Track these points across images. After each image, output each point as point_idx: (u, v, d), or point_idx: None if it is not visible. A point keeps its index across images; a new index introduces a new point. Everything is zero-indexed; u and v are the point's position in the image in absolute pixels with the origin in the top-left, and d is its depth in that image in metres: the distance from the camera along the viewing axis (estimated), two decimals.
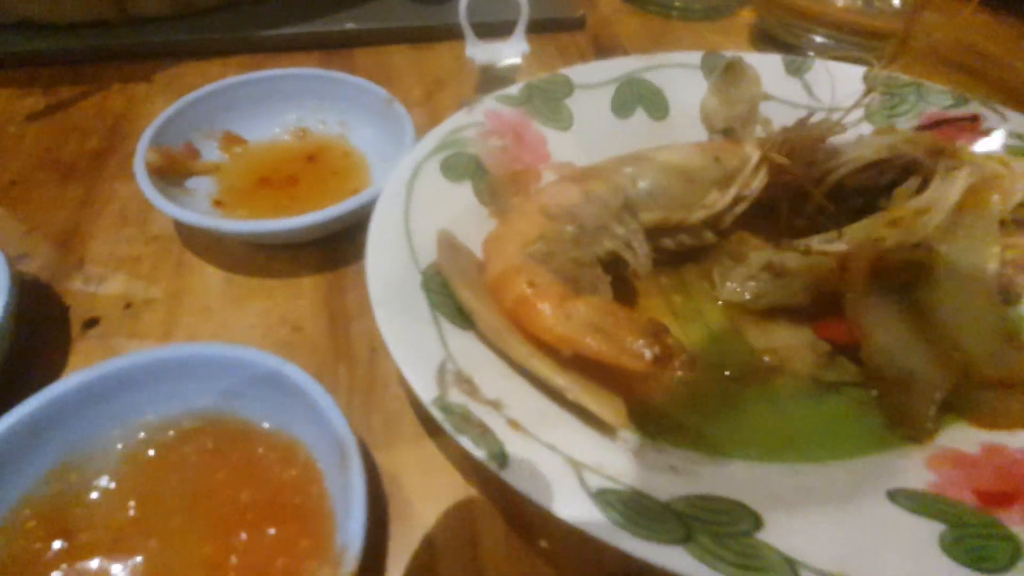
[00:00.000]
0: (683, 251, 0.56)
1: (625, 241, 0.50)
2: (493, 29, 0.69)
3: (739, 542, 0.34)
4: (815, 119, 0.57)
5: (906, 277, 0.50)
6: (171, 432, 0.41)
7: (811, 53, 0.81)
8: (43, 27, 0.79)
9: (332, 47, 0.85)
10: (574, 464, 0.37)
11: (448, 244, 0.49)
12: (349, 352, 0.51)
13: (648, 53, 0.68)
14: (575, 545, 0.41)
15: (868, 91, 0.56)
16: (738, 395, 0.48)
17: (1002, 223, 0.51)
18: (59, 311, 0.53)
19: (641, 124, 0.65)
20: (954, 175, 0.52)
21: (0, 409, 0.38)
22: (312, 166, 0.65)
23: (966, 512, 0.38)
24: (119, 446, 0.41)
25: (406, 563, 0.40)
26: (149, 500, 0.39)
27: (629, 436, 0.43)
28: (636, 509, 0.35)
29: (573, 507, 0.35)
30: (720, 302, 0.54)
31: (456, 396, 0.39)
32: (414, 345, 0.42)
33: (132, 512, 0.39)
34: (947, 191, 0.51)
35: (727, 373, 0.49)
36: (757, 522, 0.36)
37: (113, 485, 0.40)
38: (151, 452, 0.41)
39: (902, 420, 0.45)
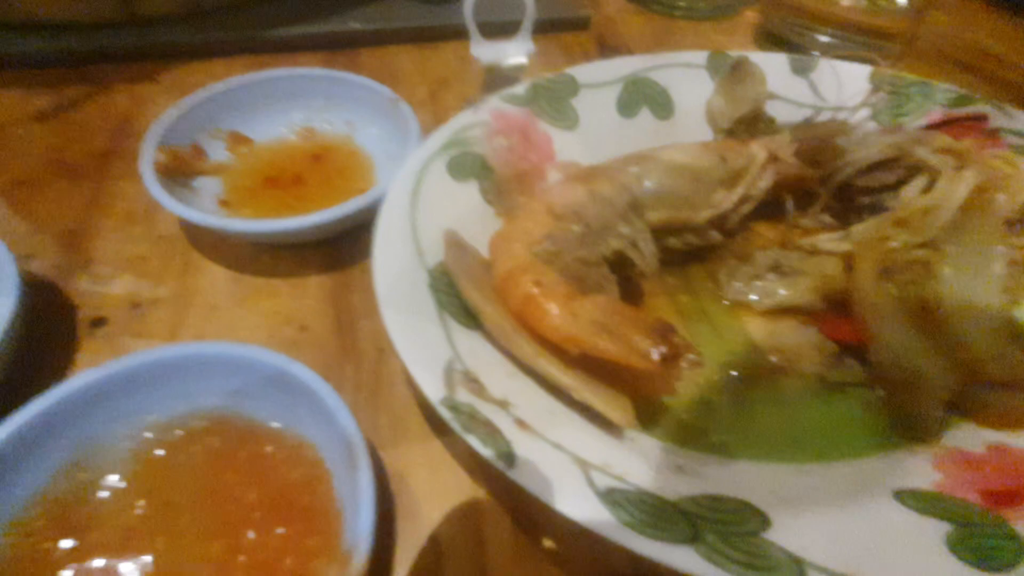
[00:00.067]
0: (689, 251, 0.55)
1: (631, 241, 0.50)
2: (498, 29, 0.69)
3: (746, 541, 0.34)
4: (821, 118, 0.57)
5: (913, 277, 0.50)
6: (179, 431, 0.42)
7: (816, 53, 0.81)
8: (49, 27, 0.79)
9: (337, 47, 0.85)
10: (581, 463, 0.37)
11: (454, 243, 0.49)
12: (355, 351, 0.51)
13: (652, 53, 0.68)
14: (582, 545, 0.41)
15: (874, 90, 0.56)
16: (744, 395, 0.48)
17: (1009, 223, 0.51)
18: (66, 310, 0.54)
19: (647, 123, 0.65)
20: (961, 175, 0.52)
21: (8, 408, 0.38)
22: (318, 166, 0.65)
23: (972, 512, 0.38)
24: (127, 445, 0.41)
25: (413, 562, 0.40)
26: (157, 499, 0.39)
27: (636, 436, 0.43)
28: (644, 508, 0.35)
29: (581, 506, 0.35)
30: (726, 302, 0.54)
31: (464, 395, 0.40)
32: (421, 345, 0.42)
33: (140, 511, 0.39)
34: (954, 191, 0.51)
35: (733, 373, 0.49)
36: (764, 521, 0.36)
37: (122, 484, 0.40)
38: (159, 451, 0.41)
39: (908, 420, 0.45)
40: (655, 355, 0.39)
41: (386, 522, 0.42)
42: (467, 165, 0.56)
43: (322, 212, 0.52)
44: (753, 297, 0.53)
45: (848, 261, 0.52)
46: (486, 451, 0.36)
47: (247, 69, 0.69)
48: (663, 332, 0.40)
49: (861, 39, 0.83)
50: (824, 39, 0.85)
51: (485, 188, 0.55)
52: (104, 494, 0.39)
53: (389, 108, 0.64)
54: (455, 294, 0.47)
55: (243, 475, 0.40)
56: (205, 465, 0.40)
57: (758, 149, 0.56)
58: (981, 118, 0.62)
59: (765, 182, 0.55)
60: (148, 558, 0.37)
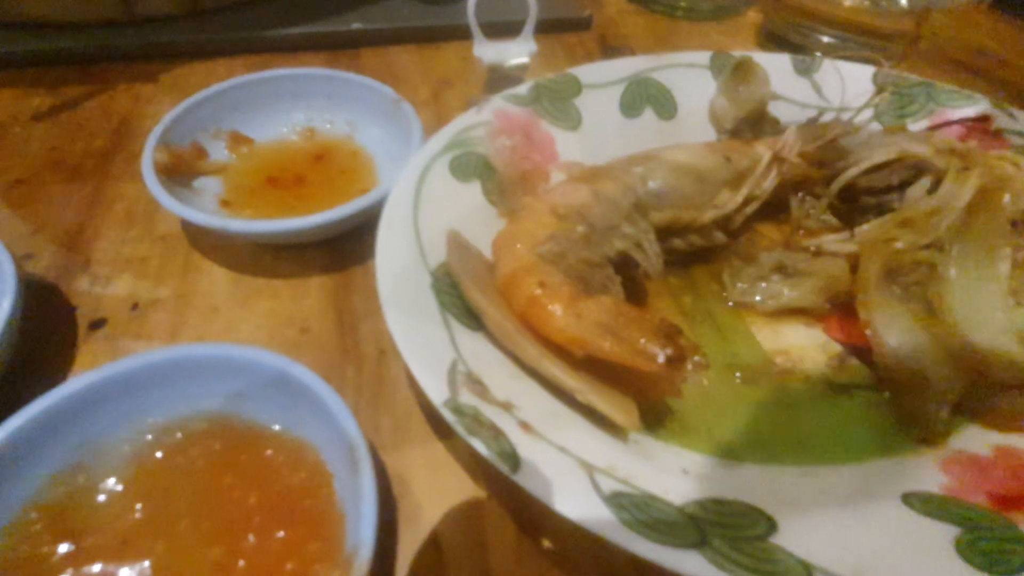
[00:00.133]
0: (693, 252, 0.55)
1: (635, 241, 0.50)
2: (501, 29, 0.69)
3: (753, 546, 0.34)
4: (825, 119, 0.57)
5: (918, 278, 0.50)
6: (179, 434, 0.41)
7: (818, 53, 0.81)
8: (49, 26, 0.79)
9: (339, 47, 0.85)
10: (586, 466, 0.37)
11: (457, 244, 0.49)
12: (357, 353, 0.51)
13: (655, 53, 0.68)
14: (585, 548, 0.40)
15: (878, 91, 0.56)
16: (749, 397, 0.47)
17: (1013, 224, 0.50)
18: (65, 311, 0.53)
19: (650, 124, 0.65)
20: (965, 175, 0.51)
21: (7, 411, 0.38)
22: (319, 166, 0.64)
23: (980, 515, 0.37)
24: (126, 448, 0.40)
25: (415, 566, 0.40)
26: (156, 502, 0.39)
27: (641, 438, 0.43)
28: (649, 512, 0.35)
29: (586, 510, 0.34)
30: (731, 303, 0.53)
31: (467, 398, 0.39)
32: (424, 346, 0.42)
33: (139, 514, 0.38)
34: (959, 191, 0.51)
35: (738, 375, 0.48)
36: (771, 525, 0.35)
37: (120, 487, 0.39)
38: (158, 454, 0.41)
39: (915, 422, 0.45)
40: (660, 357, 0.39)
41: (388, 525, 0.41)
42: (470, 165, 0.55)
43: (324, 212, 0.52)
44: (758, 298, 0.53)
45: (853, 262, 0.52)
46: (490, 454, 0.36)
47: (248, 69, 0.68)
48: (668, 334, 0.40)
49: (863, 40, 0.83)
50: (826, 40, 0.84)
51: (488, 188, 0.55)
52: (102, 497, 0.39)
53: (391, 108, 0.63)
54: (458, 295, 0.46)
55: (243, 478, 0.40)
56: (205, 468, 0.40)
57: (762, 150, 0.56)
58: (984, 119, 0.62)
59: (770, 183, 0.55)
60: (147, 563, 0.37)
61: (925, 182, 0.53)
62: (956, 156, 0.54)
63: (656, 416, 0.45)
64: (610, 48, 0.89)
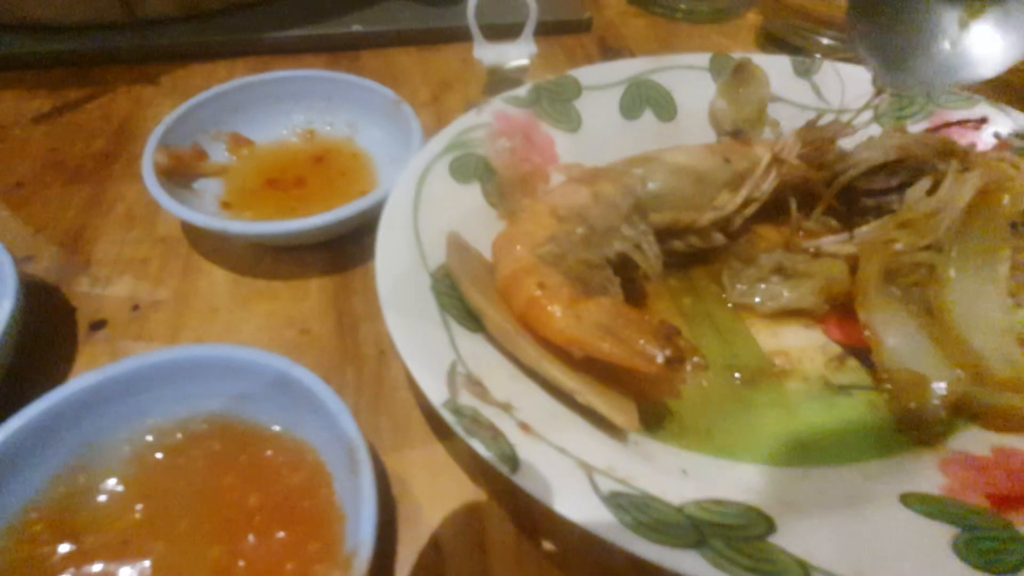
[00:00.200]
0: (693, 253, 0.55)
1: (635, 242, 0.50)
2: (501, 31, 0.69)
3: (752, 546, 0.34)
4: (825, 121, 0.57)
5: (917, 279, 0.50)
6: (179, 435, 0.41)
7: (818, 55, 0.81)
8: (49, 29, 0.79)
9: (339, 49, 0.85)
10: (585, 467, 0.37)
11: (457, 245, 0.49)
12: (357, 354, 0.51)
13: (655, 55, 0.68)
14: (584, 549, 0.41)
15: (877, 93, 0.56)
16: (749, 398, 0.47)
17: (1013, 225, 0.50)
18: (66, 313, 0.53)
19: (649, 125, 0.65)
20: (965, 177, 0.51)
21: (7, 411, 0.38)
22: (319, 167, 0.64)
23: (978, 515, 0.37)
24: (127, 448, 0.40)
25: (414, 566, 0.40)
26: (157, 503, 0.39)
27: (640, 439, 0.43)
28: (648, 512, 0.35)
29: (585, 510, 0.34)
30: (730, 304, 0.53)
31: (467, 399, 0.39)
32: (424, 347, 0.42)
33: (140, 515, 0.38)
34: (957, 193, 0.51)
35: (737, 376, 0.49)
36: (770, 526, 0.36)
37: (121, 488, 0.39)
38: (159, 455, 0.41)
39: (913, 423, 0.45)
40: (659, 358, 0.39)
41: (388, 526, 0.41)
42: (470, 167, 0.55)
43: (324, 214, 0.52)
44: (757, 300, 0.53)
45: (852, 263, 0.52)
46: (489, 455, 0.36)
47: (249, 71, 0.69)
48: (667, 335, 0.40)
49: None
50: (826, 41, 0.84)
51: (488, 190, 0.55)
52: (103, 498, 0.39)
53: (391, 110, 0.64)
54: (458, 296, 0.47)
55: (243, 479, 0.40)
56: (205, 469, 0.40)
57: (762, 151, 0.56)
58: (983, 121, 0.62)
59: (769, 184, 0.55)
60: (147, 562, 0.37)
61: (924, 183, 0.53)
62: (955, 157, 0.54)
63: (655, 417, 0.45)
64: (610, 50, 0.89)
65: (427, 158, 0.54)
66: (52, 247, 0.58)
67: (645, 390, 0.43)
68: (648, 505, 0.35)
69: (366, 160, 0.65)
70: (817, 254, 0.54)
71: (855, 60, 0.67)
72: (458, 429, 0.37)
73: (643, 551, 0.33)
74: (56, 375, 0.49)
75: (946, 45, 0.38)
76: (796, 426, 0.45)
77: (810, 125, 0.57)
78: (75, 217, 0.62)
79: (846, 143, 0.58)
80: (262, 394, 0.41)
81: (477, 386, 0.40)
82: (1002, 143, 0.58)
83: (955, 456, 0.43)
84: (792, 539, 0.35)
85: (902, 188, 0.54)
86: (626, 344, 0.40)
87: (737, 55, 0.67)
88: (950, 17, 0.46)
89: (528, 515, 0.42)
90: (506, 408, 0.40)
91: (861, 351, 0.49)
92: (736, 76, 0.64)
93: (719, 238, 0.55)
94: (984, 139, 0.61)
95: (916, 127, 0.63)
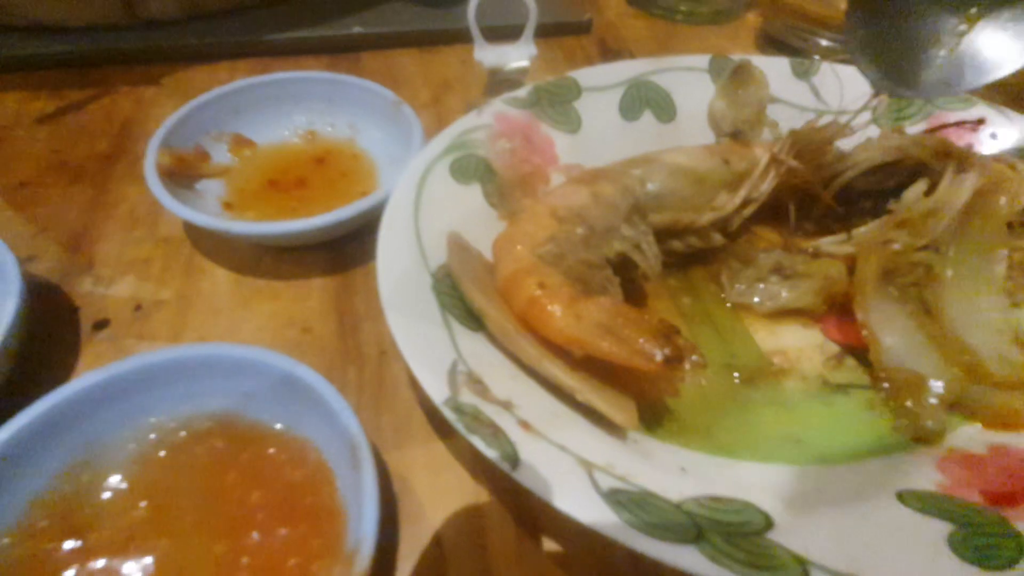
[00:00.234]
0: (692, 253, 0.56)
1: (634, 243, 0.50)
2: (501, 32, 0.69)
3: (750, 542, 0.34)
4: (823, 122, 0.57)
5: (914, 279, 0.51)
6: (182, 433, 0.42)
7: (817, 57, 0.81)
8: (52, 30, 0.80)
9: (340, 51, 0.85)
10: (585, 464, 0.37)
11: (458, 246, 0.50)
12: (358, 353, 0.51)
13: (654, 56, 0.69)
14: (584, 545, 0.41)
15: (875, 94, 0.56)
16: (747, 397, 0.48)
17: (1009, 225, 0.51)
18: (69, 312, 0.54)
19: (649, 127, 0.65)
20: (962, 178, 0.52)
21: (11, 410, 0.38)
22: (321, 168, 0.65)
23: (974, 511, 0.38)
24: (131, 446, 0.41)
25: (415, 563, 0.40)
26: (161, 500, 0.39)
27: (639, 437, 0.43)
28: (647, 509, 0.35)
29: (584, 507, 0.35)
30: (729, 304, 0.54)
31: (467, 396, 0.40)
32: (425, 346, 0.42)
33: (144, 511, 0.39)
34: (955, 194, 0.51)
35: (736, 375, 0.49)
36: (767, 522, 0.36)
37: (125, 485, 0.40)
38: (162, 453, 0.41)
39: (910, 421, 0.45)
40: (658, 356, 0.39)
41: (389, 524, 0.42)
42: (470, 168, 0.56)
43: (325, 214, 0.52)
44: (756, 299, 0.53)
45: (850, 264, 0.52)
46: (490, 452, 0.37)
47: (250, 72, 0.69)
48: (666, 334, 0.40)
49: None
50: (825, 43, 0.85)
51: (488, 191, 0.56)
52: (107, 495, 0.39)
53: (392, 111, 0.64)
54: (458, 296, 0.47)
55: (246, 476, 0.40)
56: (208, 466, 0.40)
57: (760, 152, 0.57)
58: (980, 121, 0.62)
59: (767, 185, 0.55)
60: (151, 559, 0.37)
61: (922, 184, 0.53)
62: (953, 159, 0.54)
63: (655, 416, 0.45)
64: (610, 52, 0.89)
65: (428, 159, 0.55)
66: (55, 247, 0.59)
67: (644, 389, 0.44)
68: (647, 502, 0.36)
69: (367, 161, 0.66)
70: (815, 254, 0.54)
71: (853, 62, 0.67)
72: (459, 427, 0.38)
73: (642, 547, 0.33)
74: (60, 374, 0.49)
75: (944, 53, 0.38)
76: (794, 424, 0.46)
77: (808, 126, 0.57)
78: (77, 217, 0.62)
79: (844, 144, 0.58)
80: (264, 392, 0.42)
81: (478, 384, 0.41)
82: (994, 139, 0.59)
83: (952, 454, 0.43)
84: (790, 535, 0.35)
85: (900, 189, 0.55)
86: (625, 343, 0.40)
87: (736, 57, 0.67)
88: (949, 25, 0.47)
89: (528, 512, 0.42)
90: (507, 406, 0.40)
91: (859, 350, 0.50)
92: (735, 77, 0.65)
93: (718, 238, 0.55)
94: (981, 140, 0.61)
95: (914, 128, 0.63)
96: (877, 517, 0.37)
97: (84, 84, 0.78)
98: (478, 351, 0.44)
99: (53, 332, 0.52)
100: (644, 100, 0.66)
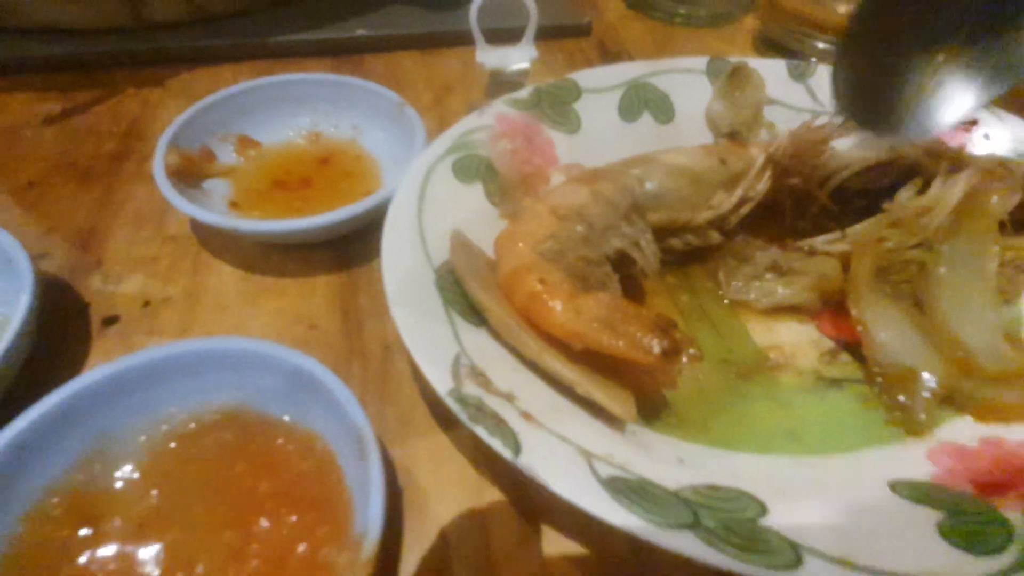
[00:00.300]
0: (689, 251, 0.57)
1: (633, 240, 0.51)
2: (502, 35, 0.70)
3: (744, 527, 0.35)
4: (819, 123, 0.58)
5: (908, 276, 0.52)
6: (192, 424, 0.43)
7: (814, 59, 0.82)
8: (59, 33, 0.81)
9: (343, 53, 0.86)
10: (585, 453, 0.38)
11: (460, 243, 0.51)
12: (363, 349, 0.52)
13: (653, 59, 0.70)
14: (584, 533, 0.42)
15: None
16: (744, 391, 0.49)
17: (1001, 224, 0.52)
18: (79, 308, 0.55)
19: (647, 128, 0.66)
20: (954, 177, 0.53)
21: (26, 402, 0.39)
22: (325, 169, 0.66)
23: (964, 500, 0.39)
24: (142, 438, 0.42)
25: (420, 551, 0.41)
26: (171, 489, 0.40)
27: (638, 430, 0.44)
28: (645, 496, 0.36)
29: (584, 493, 0.36)
30: (726, 301, 0.55)
31: (470, 388, 0.41)
32: (429, 340, 0.43)
33: (154, 500, 0.40)
34: (948, 193, 0.52)
35: (733, 370, 0.50)
36: (762, 510, 0.37)
37: (136, 475, 0.41)
38: (173, 444, 0.42)
39: (903, 414, 0.46)
40: (656, 349, 0.40)
41: (394, 512, 0.43)
42: (472, 168, 0.57)
43: (332, 212, 0.53)
44: (752, 296, 0.54)
45: (845, 261, 0.53)
46: (493, 441, 0.37)
47: (255, 75, 0.70)
48: (664, 327, 0.41)
49: None
50: (822, 45, 0.86)
51: (490, 190, 0.57)
52: (119, 484, 0.40)
53: (395, 112, 0.65)
54: (461, 292, 0.48)
55: (255, 466, 0.41)
56: (218, 457, 0.41)
57: (757, 152, 0.57)
58: (973, 122, 0.63)
59: (763, 184, 0.56)
60: (162, 546, 0.38)
61: (915, 183, 0.54)
62: (945, 158, 0.55)
63: (653, 409, 0.46)
64: (609, 54, 0.90)
65: (431, 159, 0.56)
66: (64, 245, 0.60)
67: (642, 382, 0.45)
68: (645, 489, 0.37)
69: (370, 161, 0.67)
70: (811, 252, 0.55)
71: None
72: (463, 416, 0.39)
73: (640, 531, 0.34)
74: (71, 368, 0.51)
75: (923, 97, 0.39)
76: (789, 418, 0.47)
77: (804, 127, 0.58)
78: (86, 216, 0.63)
79: (839, 144, 0.59)
80: (272, 385, 0.42)
81: (480, 377, 0.42)
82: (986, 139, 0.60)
83: (943, 446, 0.44)
84: (783, 521, 0.36)
85: (893, 188, 0.56)
86: (624, 336, 0.41)
87: (734, 59, 0.68)
88: (927, 71, 0.47)
89: (529, 502, 0.43)
90: (509, 398, 0.41)
91: (853, 346, 0.51)
92: (732, 79, 0.66)
93: (715, 236, 0.56)
94: (974, 141, 0.62)
95: None
96: (869, 505, 0.38)
97: (91, 86, 0.79)
98: (480, 345, 0.45)
99: (64, 328, 0.53)
100: (643, 101, 0.67)
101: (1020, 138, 0.60)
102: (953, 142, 0.59)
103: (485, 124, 0.60)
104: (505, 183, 0.57)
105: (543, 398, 0.43)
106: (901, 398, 0.47)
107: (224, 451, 0.42)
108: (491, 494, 0.44)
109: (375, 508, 0.35)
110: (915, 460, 0.43)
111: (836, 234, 0.55)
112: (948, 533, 0.36)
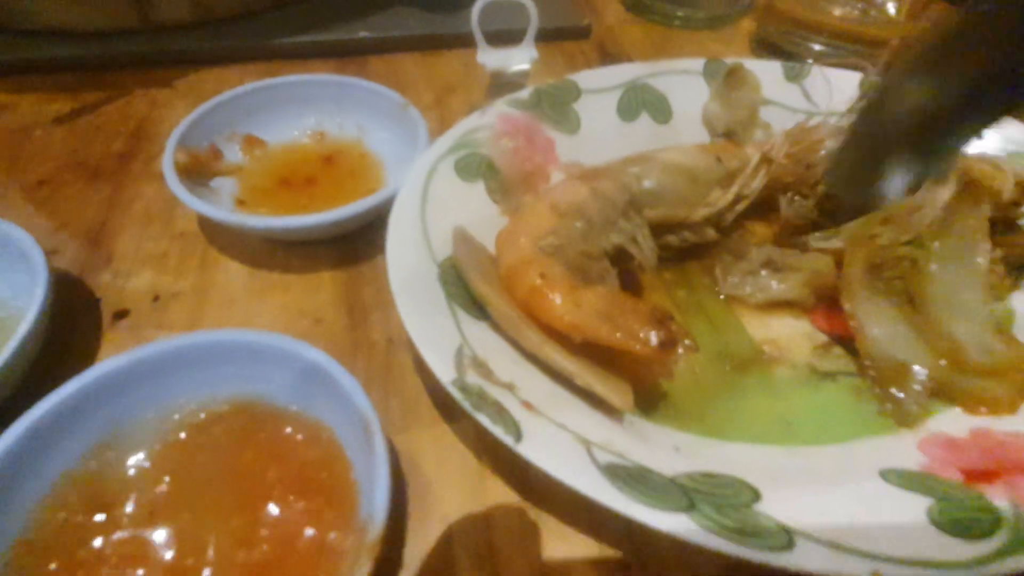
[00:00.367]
0: (686, 247, 0.58)
1: (631, 235, 0.52)
2: (503, 37, 0.71)
3: (739, 512, 0.36)
4: (813, 123, 0.59)
5: (900, 272, 0.53)
6: (202, 414, 0.44)
7: (810, 61, 0.83)
8: (68, 34, 0.82)
9: (346, 55, 0.87)
10: (584, 441, 0.39)
11: (463, 239, 0.52)
12: (367, 342, 0.54)
13: (652, 60, 0.71)
14: (583, 520, 0.43)
15: (863, 95, 0.58)
16: (739, 383, 0.50)
17: (991, 221, 0.53)
18: (91, 303, 0.56)
19: (646, 127, 0.67)
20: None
21: (40, 392, 0.40)
22: (329, 167, 0.67)
23: (952, 487, 0.40)
24: (153, 427, 0.43)
25: (424, 536, 0.42)
26: (182, 477, 0.41)
27: (635, 420, 0.45)
28: (642, 481, 0.37)
29: (583, 478, 0.37)
30: (722, 296, 0.56)
31: (473, 378, 0.42)
32: (433, 332, 0.44)
33: (166, 487, 0.41)
34: (939, 190, 0.53)
35: (728, 363, 0.51)
36: (756, 496, 0.38)
37: (148, 463, 0.42)
38: (183, 433, 0.43)
39: (895, 406, 0.47)
40: (653, 340, 0.41)
41: (398, 500, 0.44)
42: (474, 166, 0.58)
43: (338, 209, 0.54)
44: (748, 291, 0.55)
45: (838, 258, 0.54)
46: (495, 428, 0.39)
47: (260, 76, 0.71)
48: (661, 319, 0.42)
49: (854, 47, 0.85)
50: (818, 47, 0.87)
51: (491, 188, 0.58)
52: (132, 472, 0.41)
53: (398, 112, 0.66)
54: (464, 286, 0.49)
55: (263, 454, 0.42)
56: (227, 445, 0.42)
57: (752, 151, 0.59)
58: None
59: (759, 182, 0.57)
60: (173, 531, 0.39)
61: None
62: None
63: (650, 401, 0.47)
64: (608, 56, 0.91)
65: (433, 157, 0.57)
66: (74, 242, 0.61)
67: (640, 374, 0.46)
68: (642, 475, 0.38)
69: (374, 161, 0.68)
70: (805, 249, 0.56)
71: (844, 65, 0.69)
72: (465, 405, 0.40)
73: (636, 514, 0.35)
74: (84, 360, 0.52)
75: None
76: (784, 410, 0.48)
77: (799, 127, 0.59)
78: (96, 214, 0.64)
79: (833, 144, 0.60)
80: (280, 377, 0.43)
81: (483, 367, 0.43)
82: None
83: (934, 437, 0.45)
84: (777, 507, 0.37)
85: None
86: (622, 328, 0.42)
87: (730, 60, 0.69)
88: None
89: (530, 489, 0.44)
90: (510, 388, 0.42)
91: (846, 340, 0.52)
92: (729, 80, 0.67)
93: (711, 233, 0.57)
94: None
95: None
96: (861, 492, 0.39)
97: (99, 87, 0.80)
98: (482, 337, 0.46)
99: (76, 321, 0.54)
100: (641, 102, 0.68)
101: (1011, 137, 0.61)
102: None
103: (487, 123, 0.61)
104: (506, 181, 0.58)
105: (543, 389, 0.44)
106: (893, 391, 0.48)
107: (233, 440, 0.43)
108: (493, 482, 0.45)
109: (380, 494, 0.36)
110: (906, 450, 0.44)
111: (830, 231, 0.56)
112: (937, 519, 0.37)
